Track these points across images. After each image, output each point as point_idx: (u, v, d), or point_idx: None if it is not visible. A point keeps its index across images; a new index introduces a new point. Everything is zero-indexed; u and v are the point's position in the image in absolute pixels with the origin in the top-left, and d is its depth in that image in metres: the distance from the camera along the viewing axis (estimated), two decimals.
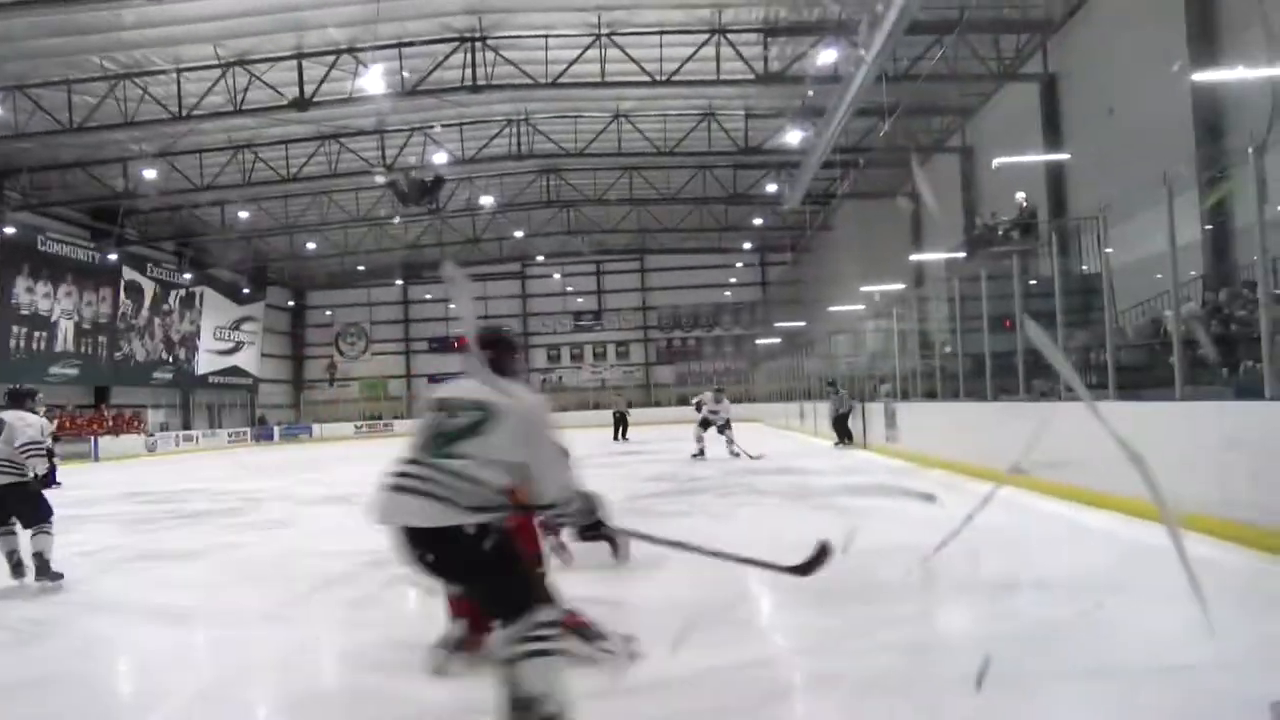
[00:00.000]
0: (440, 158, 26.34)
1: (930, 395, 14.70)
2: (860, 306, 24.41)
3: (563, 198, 33.90)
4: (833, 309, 27.68)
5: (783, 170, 29.14)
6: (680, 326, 47.89)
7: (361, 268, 43.67)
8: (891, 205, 27.94)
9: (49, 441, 7.39)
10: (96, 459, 28.52)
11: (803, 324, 34.07)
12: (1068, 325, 9.65)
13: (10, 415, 6.69)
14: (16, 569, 6.64)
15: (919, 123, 25.43)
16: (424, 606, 5.94)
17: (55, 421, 28.86)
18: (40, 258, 29.47)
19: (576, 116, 26.51)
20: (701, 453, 16.41)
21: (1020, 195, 17.68)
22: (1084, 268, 12.86)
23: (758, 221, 36.84)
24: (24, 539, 6.67)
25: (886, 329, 17.32)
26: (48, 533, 6.64)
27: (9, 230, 27.49)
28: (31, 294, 29.27)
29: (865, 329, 20.65)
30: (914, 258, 26.24)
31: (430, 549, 3.11)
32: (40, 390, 7.50)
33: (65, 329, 31.08)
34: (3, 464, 6.57)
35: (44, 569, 6.52)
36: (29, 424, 6.65)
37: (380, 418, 44.74)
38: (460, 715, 3.75)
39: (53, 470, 6.78)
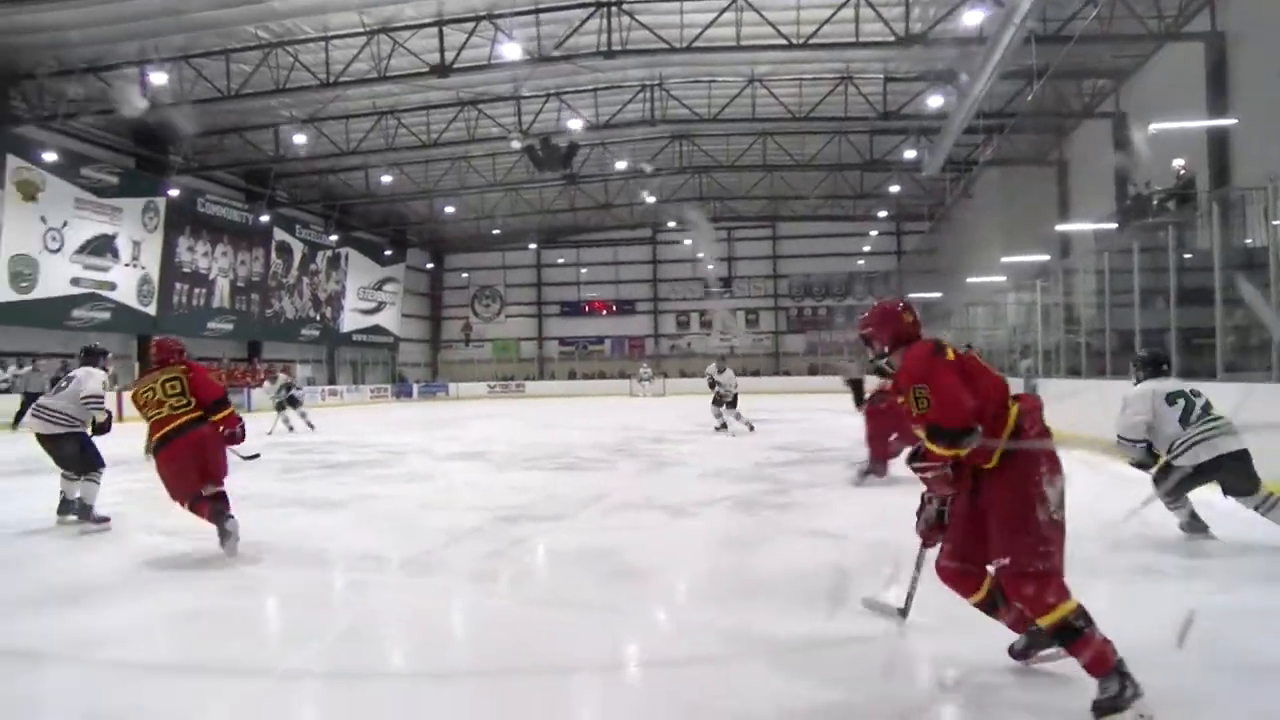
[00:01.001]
0: (575, 124, 26.57)
1: (1074, 372, 14.14)
2: (1000, 278, 23.56)
3: (694, 164, 33.76)
4: (971, 280, 26.82)
5: (922, 136, 28.27)
6: (811, 295, 47.16)
7: (497, 231, 44.55)
8: (1038, 173, 26.80)
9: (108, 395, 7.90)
10: (250, 410, 30.16)
11: (939, 295, 33.12)
12: (1226, 302, 9.10)
13: (81, 371, 7.36)
14: (62, 507, 7.28)
15: (1069, 86, 24.23)
16: (549, 563, 6.13)
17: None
18: (200, 218, 31.22)
19: (710, 81, 26.30)
20: (724, 425, 16.37)
21: (1178, 163, 16.66)
22: (1248, 241, 12.08)
23: (894, 189, 35.87)
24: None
25: (1029, 302, 16.69)
26: (94, 481, 7.24)
27: (173, 193, 29.17)
28: (192, 253, 31.06)
29: (1005, 301, 19.94)
30: (1060, 228, 25.11)
31: None
32: (101, 349, 8.00)
33: (222, 286, 32.88)
34: (60, 417, 7.19)
35: (85, 513, 7.16)
36: (95, 378, 7.31)
37: (512, 378, 45.86)
38: (588, 669, 3.86)
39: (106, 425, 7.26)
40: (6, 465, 11.32)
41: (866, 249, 45.56)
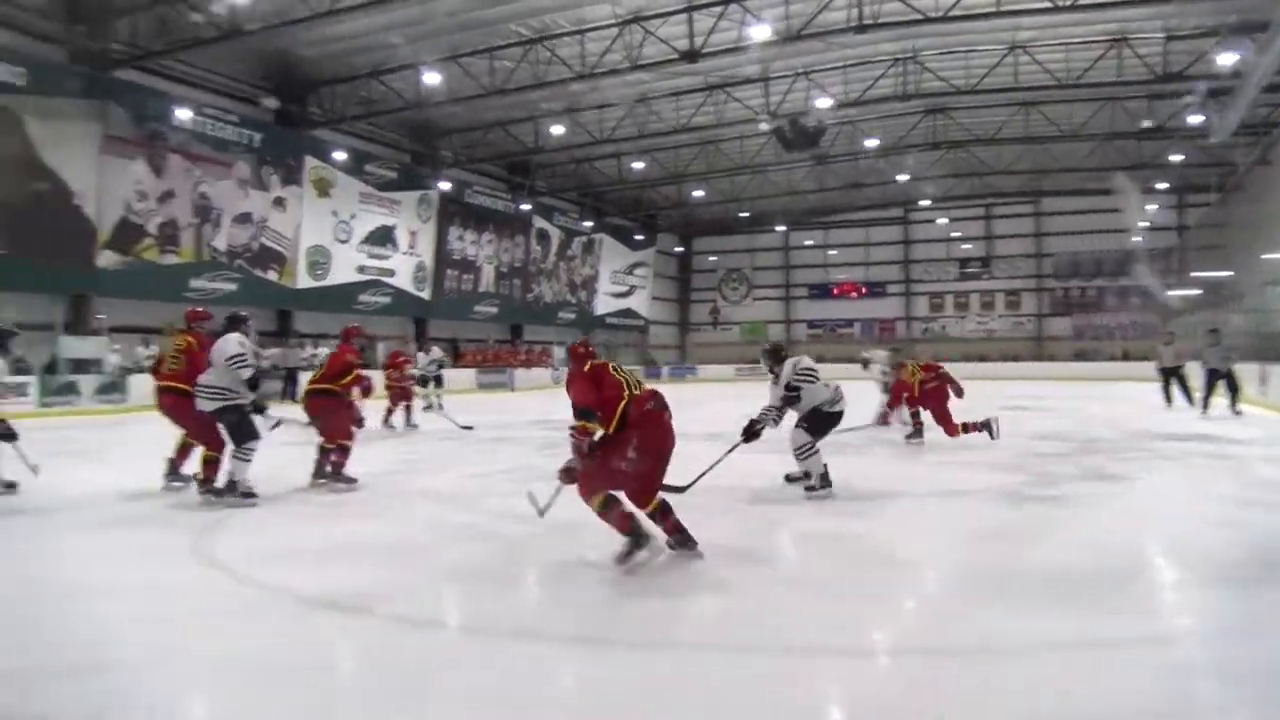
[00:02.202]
0: (824, 102, 26.13)
1: None
2: None
3: (950, 138, 32.31)
4: (1267, 256, 24.09)
5: (1210, 98, 25.62)
6: (1079, 275, 43.78)
7: (745, 214, 44.68)
8: None
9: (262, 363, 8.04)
10: (513, 389, 32.03)
11: (1228, 274, 29.98)
12: None
13: (220, 340, 7.42)
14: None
15: None
16: (799, 544, 6.09)
17: (477, 355, 32.76)
18: (468, 209, 33.38)
19: (967, 51, 25.06)
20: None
21: None
22: None
23: (1176, 158, 32.72)
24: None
25: None
26: (244, 459, 7.25)
27: (445, 185, 31.37)
28: (461, 241, 33.27)
29: None
30: None
31: None
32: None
33: (487, 272, 35.01)
34: (213, 390, 7.28)
35: (230, 488, 7.20)
36: (230, 341, 7.34)
37: (759, 361, 45.73)
38: (833, 653, 3.82)
39: (254, 380, 7.43)
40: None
41: (1142, 224, 41.85)
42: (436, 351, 19.32)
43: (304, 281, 26.32)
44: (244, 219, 24.39)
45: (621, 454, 5.14)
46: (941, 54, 25.28)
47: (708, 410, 18.19)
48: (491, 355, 33.92)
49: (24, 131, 19.01)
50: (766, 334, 49.15)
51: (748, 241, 49.44)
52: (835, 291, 48.41)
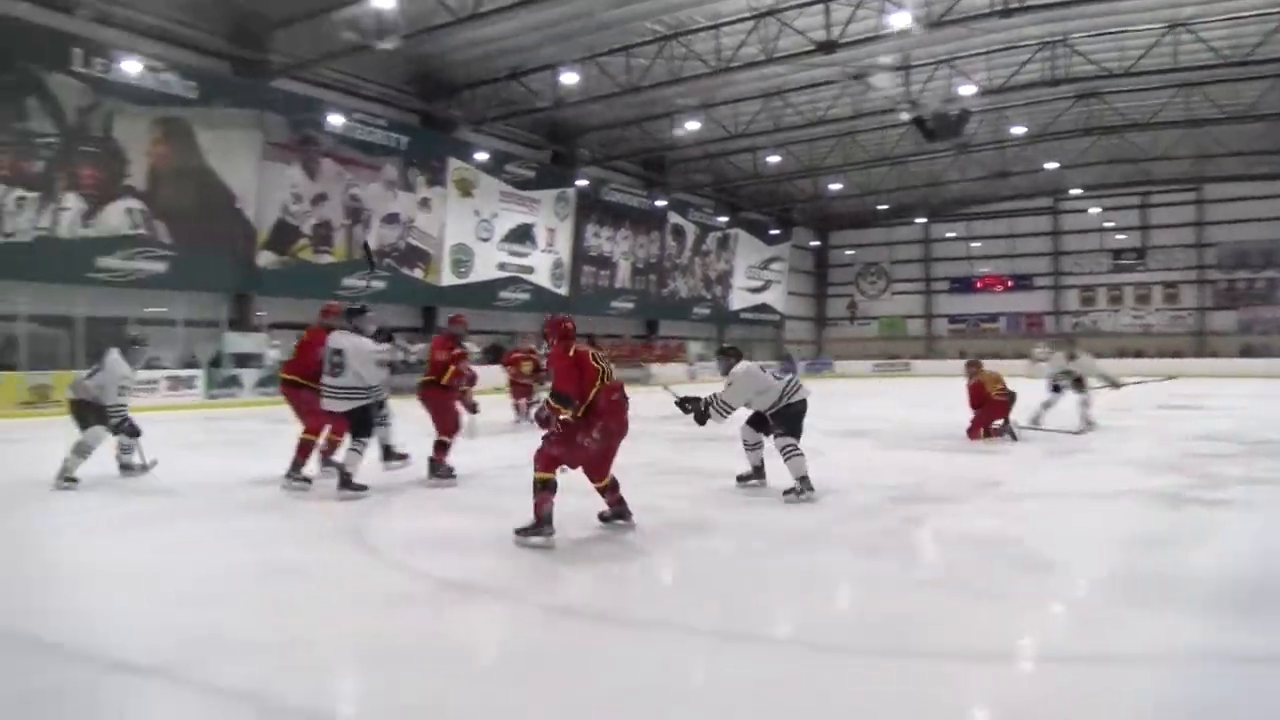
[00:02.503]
0: (967, 90, 25.33)
1: None
2: None
3: (1103, 124, 30.80)
4: None
5: None
6: (1246, 266, 40.91)
7: (884, 206, 43.76)
8: None
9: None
10: (648, 384, 32.26)
11: None
12: None
13: (344, 341, 7.43)
14: (387, 454, 8.24)
15: None
16: (941, 545, 5.95)
17: (613, 350, 33.10)
18: (604, 206, 33.82)
19: (1121, 32, 23.82)
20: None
21: None
22: None
23: None
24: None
25: None
26: (359, 453, 7.34)
27: (582, 183, 31.89)
28: (598, 238, 33.75)
29: None
30: None
31: None
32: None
33: (623, 268, 35.39)
34: (349, 391, 7.39)
35: (345, 481, 7.30)
36: (367, 340, 7.51)
37: (898, 357, 44.81)
38: (978, 657, 3.72)
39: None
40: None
41: None
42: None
43: (448, 279, 27.19)
44: (392, 219, 25.39)
45: (587, 432, 5.74)
46: (1093, 36, 24.11)
47: (851, 409, 17.95)
48: (627, 351, 34.29)
49: (194, 141, 20.35)
50: (905, 329, 48.03)
51: (886, 234, 48.36)
52: (979, 285, 46.84)
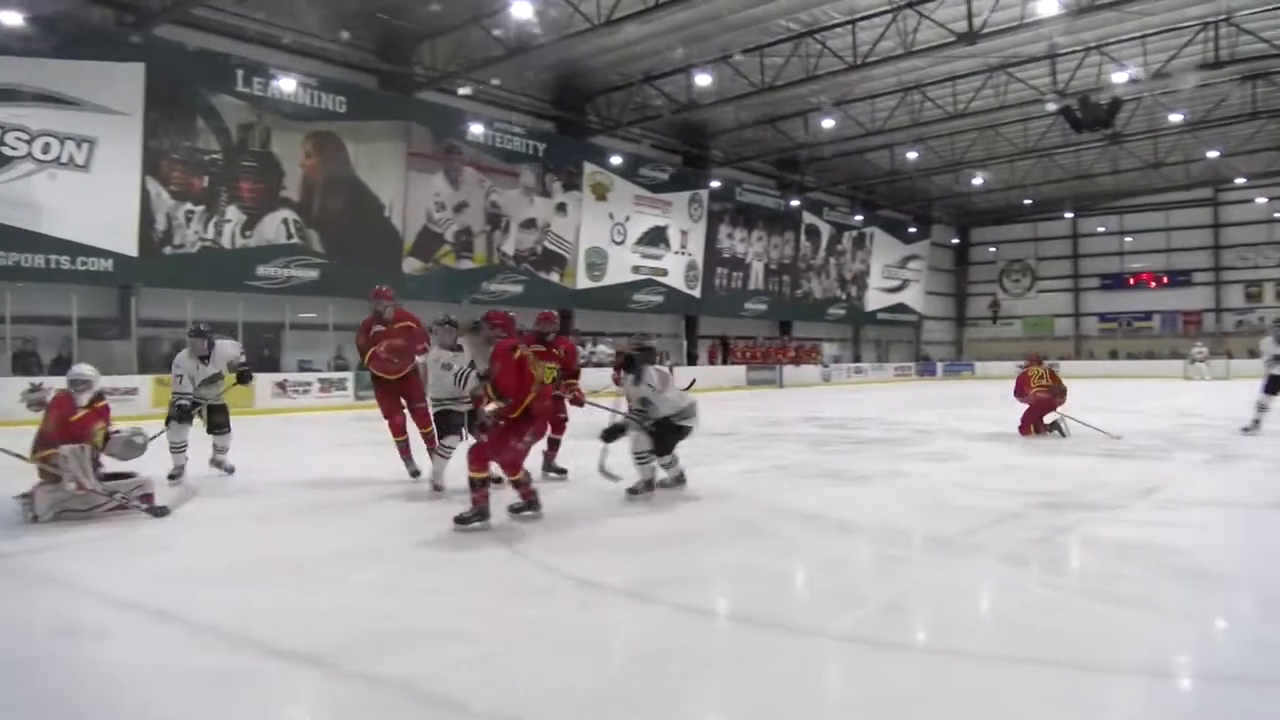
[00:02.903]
0: (1119, 77, 24.13)
1: None
2: None
3: (1272, 107, 28.83)
4: None
5: None
6: None
7: (1028, 201, 42.15)
8: None
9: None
10: (781, 385, 32.07)
11: None
12: None
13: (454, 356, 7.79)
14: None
15: None
16: (1095, 554, 5.68)
17: (746, 351, 33.05)
18: (737, 207, 33.71)
19: None
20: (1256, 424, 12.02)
21: None
22: None
23: None
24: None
25: None
26: (445, 457, 7.71)
27: (715, 184, 31.90)
28: (731, 239, 33.66)
29: None
30: None
31: None
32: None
33: (756, 269, 35.19)
34: (451, 399, 7.72)
35: (437, 489, 7.64)
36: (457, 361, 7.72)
37: (1045, 357, 42.87)
38: (1132, 671, 3.54)
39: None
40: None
41: None
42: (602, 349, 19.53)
43: (583, 282, 27.62)
44: (529, 224, 25.97)
45: (520, 435, 6.20)
46: (1262, 12, 22.58)
47: (995, 412, 17.36)
48: (761, 352, 34.10)
49: (345, 153, 21.36)
50: (1053, 329, 46.08)
51: (1031, 230, 46.51)
52: (1131, 281, 44.52)
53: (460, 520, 6.07)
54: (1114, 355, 42.21)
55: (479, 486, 6.09)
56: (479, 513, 6.09)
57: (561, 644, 3.85)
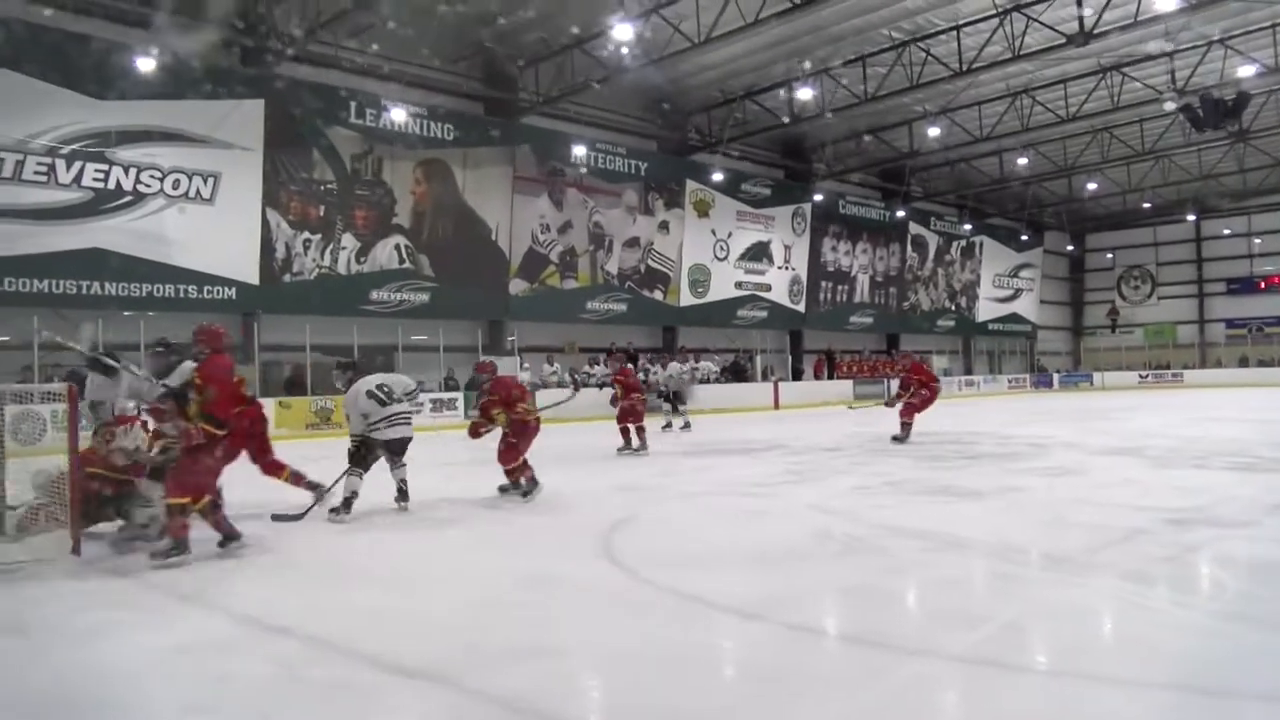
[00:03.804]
0: (1245, 70, 23.03)
1: None
2: None
3: None
4: None
5: None
6: None
7: (1147, 205, 40.53)
8: None
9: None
10: (889, 400, 31.43)
11: None
12: None
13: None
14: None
15: None
16: (1230, 574, 5.42)
17: (853, 365, 32.57)
18: (841, 219, 33.31)
19: None
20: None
21: None
22: None
23: None
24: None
25: None
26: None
27: (818, 198, 31.60)
28: (835, 252, 33.27)
29: None
30: None
31: None
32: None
33: (862, 282, 34.67)
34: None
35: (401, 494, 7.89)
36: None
37: (1167, 367, 41.19)
38: (1268, 699, 3.36)
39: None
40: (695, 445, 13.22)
41: None
42: (675, 366, 19.44)
43: (686, 299, 27.67)
44: (632, 243, 26.18)
45: (211, 453, 6.00)
46: None
47: (1116, 425, 16.73)
48: (868, 366, 33.53)
49: (453, 179, 21.95)
50: (1175, 336, 44.09)
51: (1150, 234, 44.66)
52: (1262, 285, 42.28)
53: (156, 555, 5.80)
54: (1244, 363, 40.11)
55: (176, 514, 5.86)
56: (180, 546, 5.82)
57: (664, 661, 3.86)
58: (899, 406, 14.33)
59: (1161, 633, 4.21)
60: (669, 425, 17.50)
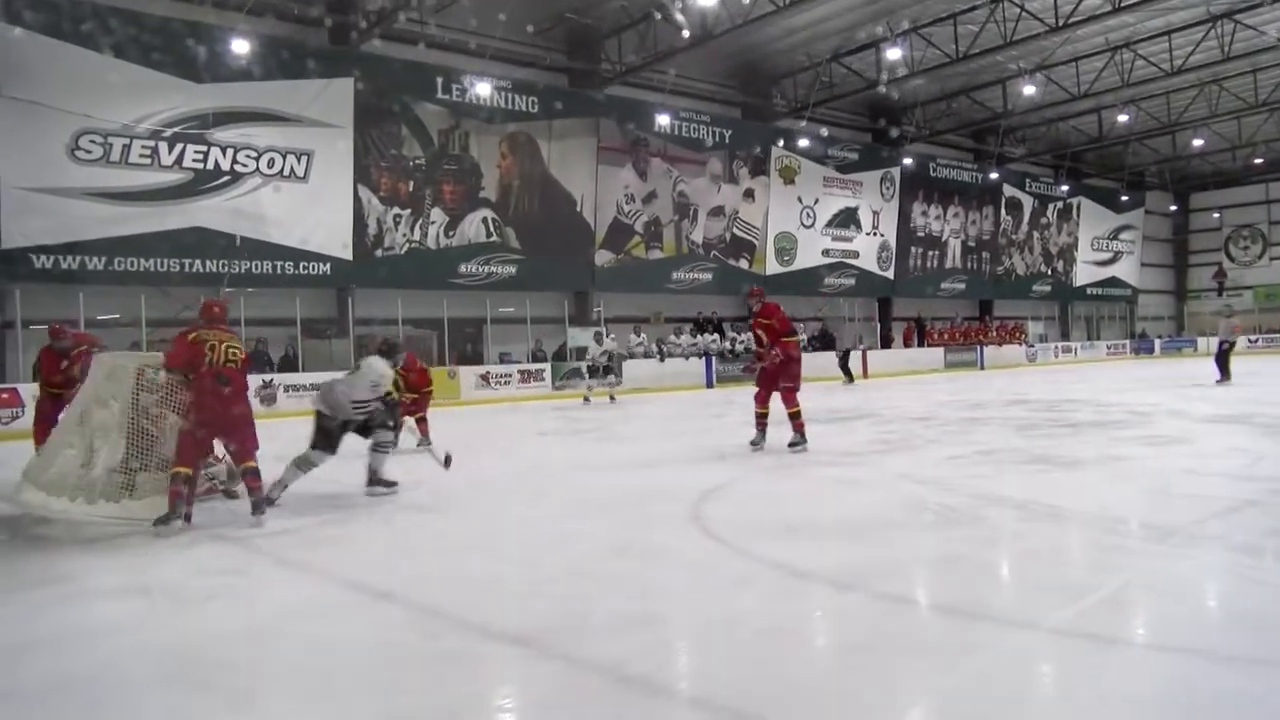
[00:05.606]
0: None
1: None
2: None
3: None
4: None
5: None
6: None
7: (1259, 160, 38.64)
8: None
9: None
10: (982, 367, 30.79)
11: None
12: None
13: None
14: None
15: None
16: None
17: (946, 334, 31.92)
18: (931, 183, 32.55)
19: None
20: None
21: None
22: None
23: None
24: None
25: None
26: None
27: (907, 161, 30.91)
28: (925, 217, 32.57)
29: None
30: None
31: None
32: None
33: (953, 247, 33.89)
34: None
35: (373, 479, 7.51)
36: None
37: None
38: None
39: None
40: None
41: None
42: (609, 342, 19.34)
43: (773, 268, 27.42)
44: (717, 212, 26.03)
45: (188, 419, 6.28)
46: None
47: (1222, 392, 16.05)
48: (960, 333, 32.81)
49: (538, 152, 22.10)
50: None
51: (1262, 192, 42.63)
52: None
53: (159, 520, 6.01)
54: None
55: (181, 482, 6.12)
56: (173, 513, 6.06)
57: (762, 631, 3.85)
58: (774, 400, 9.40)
59: (1275, 608, 4.04)
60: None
